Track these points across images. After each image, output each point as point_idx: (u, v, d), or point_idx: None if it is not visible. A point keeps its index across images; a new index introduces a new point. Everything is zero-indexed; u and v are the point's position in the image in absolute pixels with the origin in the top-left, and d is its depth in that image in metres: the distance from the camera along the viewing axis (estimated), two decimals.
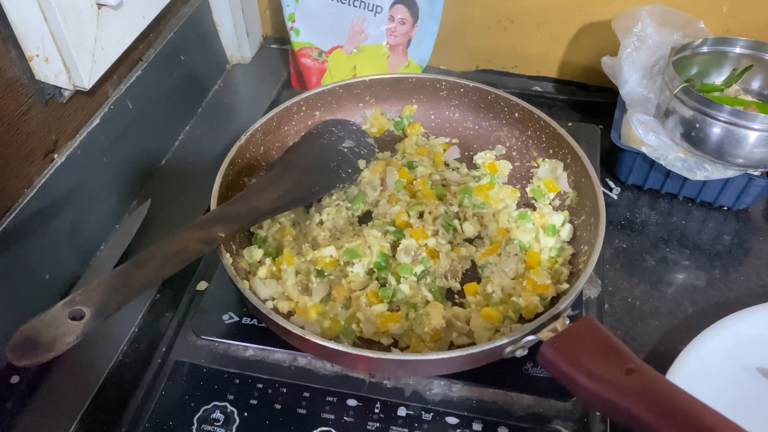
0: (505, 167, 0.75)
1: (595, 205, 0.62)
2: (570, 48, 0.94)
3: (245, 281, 0.59)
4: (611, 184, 0.83)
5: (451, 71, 1.01)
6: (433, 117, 0.80)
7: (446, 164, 0.77)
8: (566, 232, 0.66)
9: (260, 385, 0.58)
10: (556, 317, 0.53)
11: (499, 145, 0.77)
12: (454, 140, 0.79)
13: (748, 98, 0.80)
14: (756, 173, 0.75)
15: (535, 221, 0.67)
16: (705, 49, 0.79)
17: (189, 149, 0.89)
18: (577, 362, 0.50)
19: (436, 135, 0.80)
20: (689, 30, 0.80)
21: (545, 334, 0.52)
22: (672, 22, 0.80)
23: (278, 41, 1.06)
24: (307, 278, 0.62)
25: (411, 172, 0.73)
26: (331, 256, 0.62)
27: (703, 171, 0.74)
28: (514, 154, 0.76)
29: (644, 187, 0.82)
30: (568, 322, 0.54)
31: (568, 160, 0.69)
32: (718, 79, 0.82)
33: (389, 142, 0.80)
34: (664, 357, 0.62)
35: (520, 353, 0.54)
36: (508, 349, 0.53)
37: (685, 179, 0.76)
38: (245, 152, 0.68)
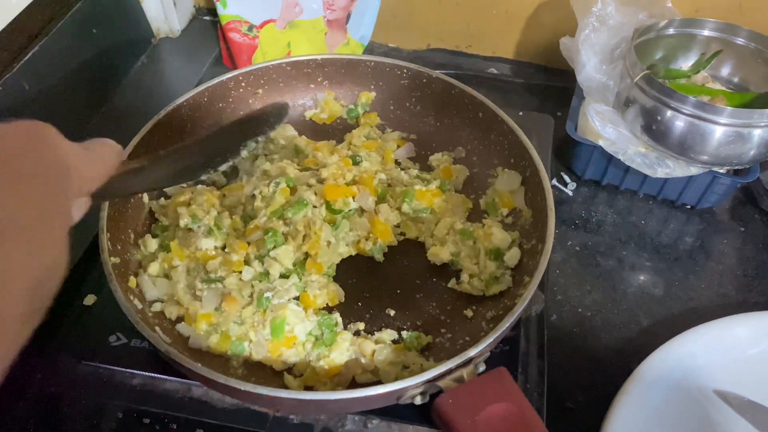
0: (461, 173, 0.66)
1: (545, 231, 0.53)
2: (528, 26, 0.86)
3: (132, 278, 0.52)
4: (566, 178, 0.75)
5: (400, 49, 0.92)
6: (392, 108, 0.71)
7: (397, 162, 0.68)
8: (512, 257, 0.57)
9: (147, 420, 0.50)
10: (466, 363, 0.45)
11: (459, 147, 0.68)
12: (412, 136, 0.71)
13: (717, 86, 0.73)
14: (721, 171, 0.68)
15: (478, 240, 0.58)
16: (671, 31, 0.72)
17: (103, 136, 0.79)
18: (472, 427, 0.42)
19: (392, 128, 0.71)
20: (655, 9, 0.72)
21: (447, 383, 0.45)
22: (636, 1, 0.71)
23: (212, 12, 0.96)
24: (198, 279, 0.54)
25: (355, 168, 0.63)
26: (215, 247, 0.55)
27: (665, 168, 0.67)
28: (474, 158, 0.67)
29: (602, 183, 0.75)
30: (482, 369, 0.46)
31: (528, 174, 0.60)
32: (685, 64, 0.75)
33: (340, 131, 0.71)
34: (614, 378, 0.57)
35: (419, 401, 0.46)
36: (408, 394, 0.46)
37: (647, 175, 0.69)
38: (166, 127, 0.59)
